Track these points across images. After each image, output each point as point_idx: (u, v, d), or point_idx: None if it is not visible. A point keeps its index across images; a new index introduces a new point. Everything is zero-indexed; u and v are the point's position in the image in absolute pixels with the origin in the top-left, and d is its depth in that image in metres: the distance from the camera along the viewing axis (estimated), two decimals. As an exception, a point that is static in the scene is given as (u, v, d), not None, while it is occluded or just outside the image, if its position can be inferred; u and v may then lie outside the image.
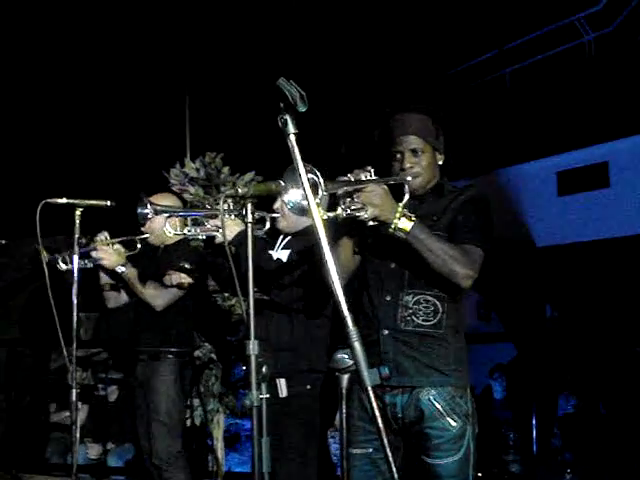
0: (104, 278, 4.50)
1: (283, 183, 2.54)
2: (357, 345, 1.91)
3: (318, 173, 2.36)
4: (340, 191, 2.57)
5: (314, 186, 2.35)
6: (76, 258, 3.58)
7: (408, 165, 2.81)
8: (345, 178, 2.62)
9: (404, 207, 2.61)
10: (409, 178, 2.74)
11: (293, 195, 2.47)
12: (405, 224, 2.59)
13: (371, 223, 2.60)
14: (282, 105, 2.06)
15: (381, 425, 1.93)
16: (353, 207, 2.58)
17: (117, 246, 4.22)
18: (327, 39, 9.83)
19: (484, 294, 9.97)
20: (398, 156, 2.84)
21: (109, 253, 4.18)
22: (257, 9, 8.98)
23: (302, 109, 2.05)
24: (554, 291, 9.39)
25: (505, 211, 9.98)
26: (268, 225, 3.58)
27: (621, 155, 9.11)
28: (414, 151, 2.82)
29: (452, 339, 2.76)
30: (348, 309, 1.94)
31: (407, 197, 2.63)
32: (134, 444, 6.44)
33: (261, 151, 7.92)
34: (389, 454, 1.92)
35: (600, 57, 10.30)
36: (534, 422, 5.99)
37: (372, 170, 2.66)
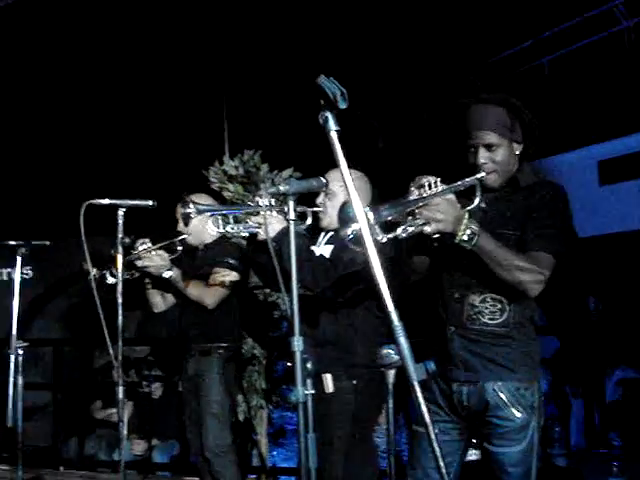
0: (150, 289, 4.55)
1: (324, 180, 2.55)
2: (403, 340, 1.91)
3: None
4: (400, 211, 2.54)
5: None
6: (120, 257, 3.61)
7: (482, 161, 2.77)
8: (410, 192, 2.59)
9: (472, 211, 2.60)
10: (482, 174, 2.70)
11: (352, 228, 2.43)
12: (470, 236, 2.56)
13: (436, 236, 2.57)
14: (322, 102, 2.06)
15: (428, 420, 1.94)
16: (416, 224, 2.54)
17: (160, 251, 4.24)
18: (364, 31, 9.80)
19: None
20: (472, 150, 2.81)
21: (153, 260, 4.21)
22: (294, 5, 8.99)
23: (342, 106, 2.05)
24: (597, 283, 9.28)
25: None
26: (310, 220, 3.59)
27: (663, 143, 8.98)
28: (489, 146, 2.77)
29: (518, 336, 2.76)
30: (396, 305, 1.94)
31: (477, 201, 2.63)
32: (178, 440, 6.51)
33: (299, 148, 7.93)
34: (437, 448, 1.93)
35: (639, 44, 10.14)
36: (581, 415, 5.95)
37: (439, 179, 2.60)
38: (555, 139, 9.88)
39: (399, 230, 2.54)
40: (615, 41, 10.38)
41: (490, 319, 2.75)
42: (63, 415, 6.99)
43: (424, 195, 2.56)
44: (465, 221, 2.55)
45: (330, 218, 3.62)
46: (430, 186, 2.58)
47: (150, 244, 4.23)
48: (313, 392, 2.32)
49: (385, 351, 2.21)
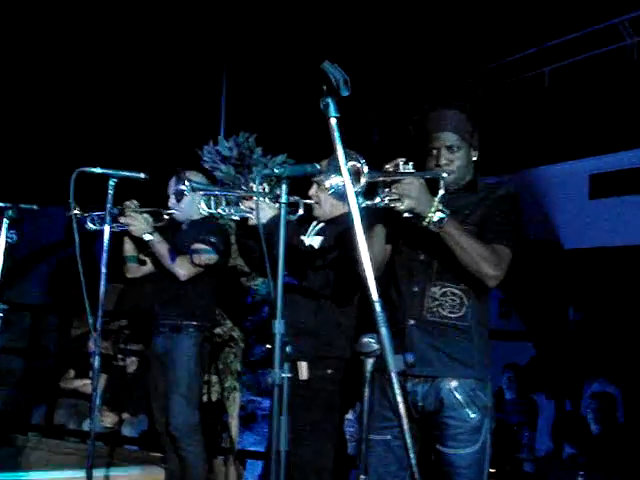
0: (128, 249, 4.56)
1: (319, 166, 2.55)
2: (384, 330, 1.92)
3: (362, 160, 2.38)
4: (379, 180, 2.60)
5: (356, 173, 2.38)
6: (107, 228, 3.60)
7: (444, 161, 2.83)
8: (386, 167, 2.66)
9: (439, 201, 2.64)
10: (444, 174, 2.75)
11: (335, 180, 2.48)
12: (439, 218, 2.61)
13: (406, 215, 2.63)
14: (325, 88, 2.06)
15: (402, 411, 1.95)
16: (390, 198, 2.61)
17: (146, 215, 4.26)
18: (364, 27, 9.80)
19: (506, 292, 9.93)
20: (434, 152, 2.86)
21: (138, 220, 4.22)
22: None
23: (345, 93, 2.05)
24: (579, 294, 9.34)
25: (534, 211, 9.92)
26: (301, 211, 3.58)
27: (656, 161, 9.02)
28: (450, 148, 2.84)
29: (476, 332, 2.80)
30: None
31: (442, 192, 2.66)
32: (148, 415, 6.51)
33: (294, 134, 7.93)
34: (408, 440, 1.93)
35: (641, 61, 10.18)
36: (549, 422, 5.98)
37: (410, 163, 2.68)
38: (549, 149, 9.93)
39: (377, 199, 2.60)
40: (618, 57, 10.42)
41: (450, 312, 2.78)
42: (35, 381, 6.96)
43: (399, 170, 2.63)
44: (435, 204, 2.61)
45: (323, 209, 3.63)
46: (402, 167, 2.66)
47: (138, 205, 4.25)
48: (290, 375, 2.33)
49: (365, 339, 2.23)
